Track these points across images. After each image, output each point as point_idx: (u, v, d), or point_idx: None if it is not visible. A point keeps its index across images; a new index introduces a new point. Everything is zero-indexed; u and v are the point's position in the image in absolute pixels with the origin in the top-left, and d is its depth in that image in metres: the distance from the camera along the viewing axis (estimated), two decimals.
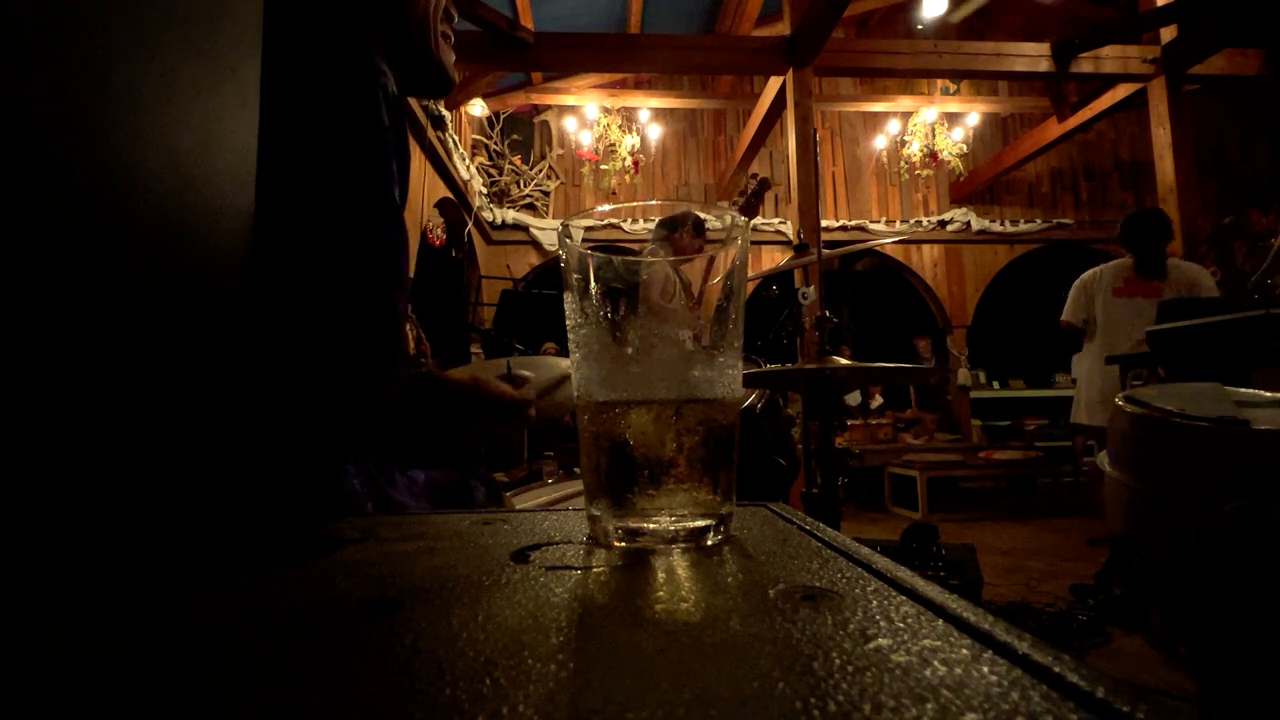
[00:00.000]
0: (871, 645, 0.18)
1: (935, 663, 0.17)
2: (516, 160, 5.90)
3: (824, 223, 5.90)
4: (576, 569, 0.28)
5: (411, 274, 3.69)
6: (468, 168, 4.85)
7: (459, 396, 0.72)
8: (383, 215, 0.60)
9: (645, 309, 0.33)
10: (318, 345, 0.57)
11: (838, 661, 0.17)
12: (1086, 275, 3.23)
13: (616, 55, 4.03)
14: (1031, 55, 4.09)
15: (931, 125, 5.85)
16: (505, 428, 0.75)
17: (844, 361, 1.50)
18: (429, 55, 0.73)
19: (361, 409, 0.61)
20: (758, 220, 5.76)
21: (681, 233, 1.68)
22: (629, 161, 5.59)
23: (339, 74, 0.59)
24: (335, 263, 0.57)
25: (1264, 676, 0.86)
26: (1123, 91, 4.38)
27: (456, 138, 4.44)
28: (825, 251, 1.83)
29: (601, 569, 0.28)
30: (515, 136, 5.91)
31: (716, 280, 0.34)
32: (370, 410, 0.61)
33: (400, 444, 0.71)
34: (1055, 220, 6.40)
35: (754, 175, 2.13)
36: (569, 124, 5.95)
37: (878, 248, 5.36)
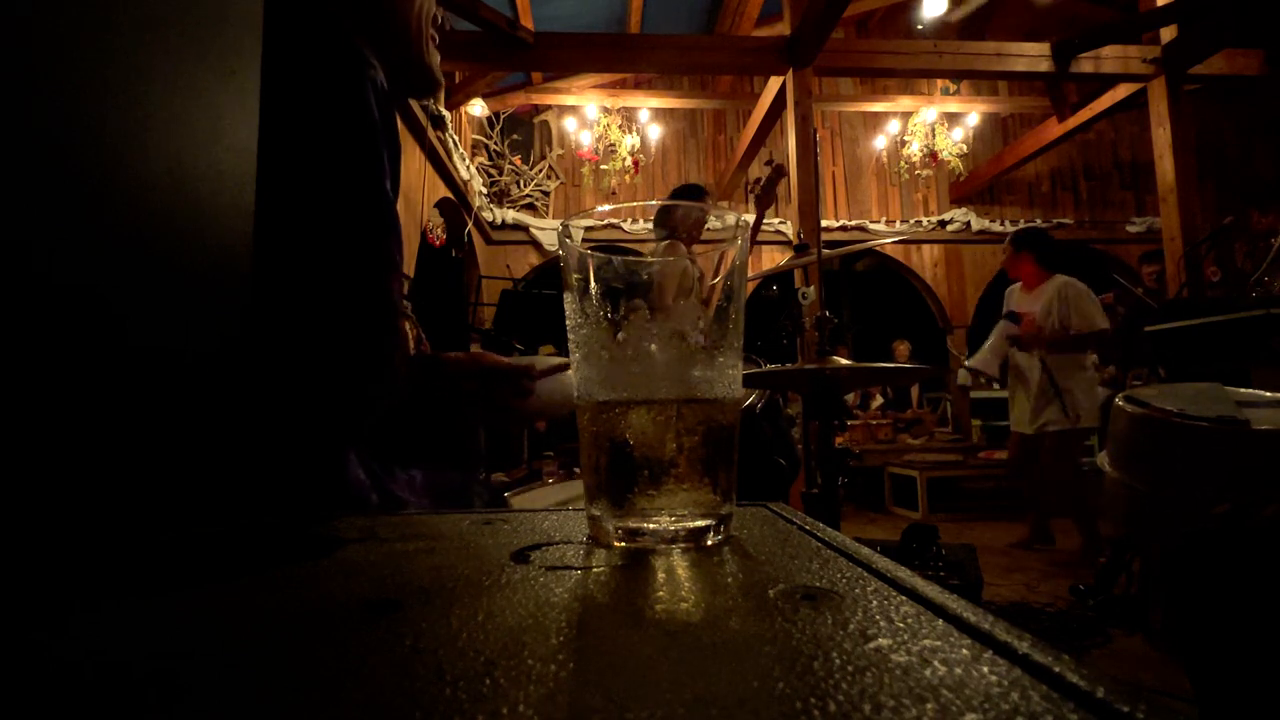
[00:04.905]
0: (871, 645, 0.18)
1: (935, 663, 0.17)
2: (516, 160, 5.89)
3: (824, 223, 5.90)
4: (576, 569, 0.28)
5: (411, 273, 3.69)
6: (468, 168, 4.85)
7: (458, 367, 0.73)
8: (373, 201, 0.60)
9: (662, 308, 0.33)
10: (315, 337, 0.57)
11: (838, 661, 0.17)
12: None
13: (616, 55, 4.03)
14: (1031, 55, 4.08)
15: (931, 125, 5.84)
16: (505, 400, 0.75)
17: (844, 361, 1.50)
18: (419, 59, 0.75)
19: (361, 401, 0.61)
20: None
21: (691, 224, 1.67)
22: (629, 161, 5.58)
23: (328, 64, 0.59)
24: (327, 252, 0.58)
25: (1254, 675, 0.85)
26: (1123, 91, 4.37)
27: (456, 138, 4.43)
28: (825, 251, 1.83)
29: (601, 569, 0.28)
30: (515, 136, 5.90)
31: (716, 280, 0.34)
32: (370, 402, 0.61)
33: (401, 438, 0.71)
34: (1055, 220, 6.39)
35: (769, 162, 2.10)
36: (569, 124, 5.94)
37: (878, 248, 5.36)
